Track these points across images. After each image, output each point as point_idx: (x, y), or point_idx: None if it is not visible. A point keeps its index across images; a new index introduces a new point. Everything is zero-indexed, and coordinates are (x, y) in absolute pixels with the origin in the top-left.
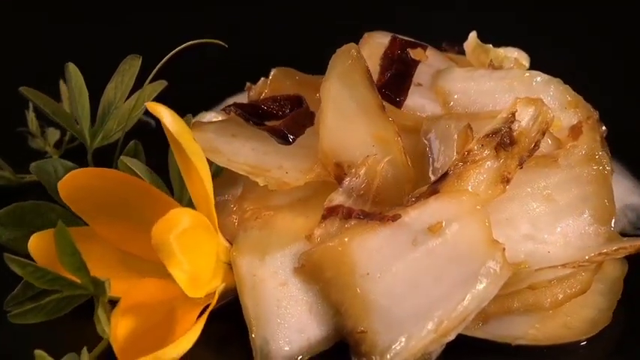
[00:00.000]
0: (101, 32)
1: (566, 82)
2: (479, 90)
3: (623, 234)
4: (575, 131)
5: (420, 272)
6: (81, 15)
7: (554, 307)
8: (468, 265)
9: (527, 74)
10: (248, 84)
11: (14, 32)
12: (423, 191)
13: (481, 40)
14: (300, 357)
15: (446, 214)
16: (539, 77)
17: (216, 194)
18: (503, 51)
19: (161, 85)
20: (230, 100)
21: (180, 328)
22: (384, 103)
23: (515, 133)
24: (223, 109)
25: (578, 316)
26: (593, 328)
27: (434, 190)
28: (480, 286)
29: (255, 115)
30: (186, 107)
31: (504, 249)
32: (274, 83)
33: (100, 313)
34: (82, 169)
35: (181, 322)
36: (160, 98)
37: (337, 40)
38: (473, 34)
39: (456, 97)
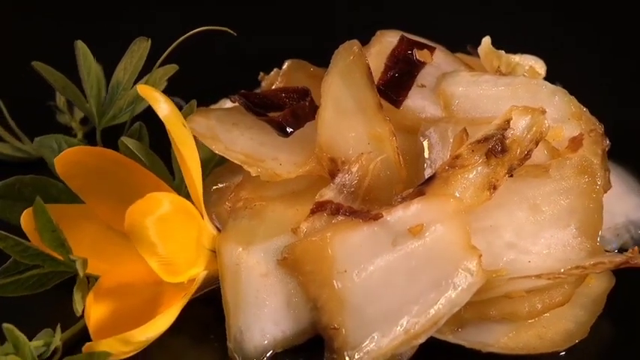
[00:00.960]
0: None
1: (587, 93)
2: (482, 95)
3: (624, 250)
4: (574, 143)
5: (396, 273)
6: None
7: (532, 317)
8: (443, 269)
9: (533, 83)
10: (262, 74)
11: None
12: (410, 192)
13: (508, 46)
14: (274, 349)
15: (427, 217)
16: (545, 86)
17: (218, 182)
18: (518, 58)
19: (173, 68)
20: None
21: (159, 312)
22: (384, 101)
23: (507, 141)
24: (230, 97)
25: (555, 327)
26: (568, 341)
27: (420, 191)
28: (453, 291)
29: (260, 106)
30: (205, 96)
31: (481, 255)
32: (287, 75)
33: (76, 291)
34: (80, 146)
35: (161, 306)
36: (178, 87)
37: (355, 35)
38: (486, 39)
39: (458, 100)
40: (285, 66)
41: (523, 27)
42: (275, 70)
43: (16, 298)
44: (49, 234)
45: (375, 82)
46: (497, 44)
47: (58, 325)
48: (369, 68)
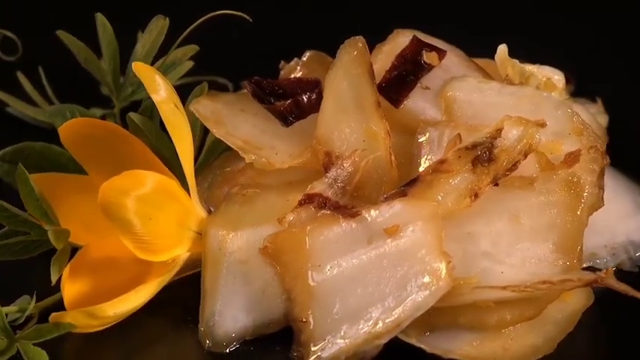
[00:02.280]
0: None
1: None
2: (484, 103)
3: (620, 270)
4: (571, 158)
5: (367, 271)
6: None
7: (500, 328)
8: (412, 272)
9: (538, 94)
10: (282, 62)
11: None
12: (392, 192)
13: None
14: (244, 336)
15: (404, 218)
16: (549, 99)
17: (226, 165)
18: (534, 68)
19: (192, 49)
20: None
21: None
22: (384, 100)
23: (496, 150)
24: (243, 82)
25: (522, 340)
26: (532, 356)
27: (402, 192)
28: (419, 295)
29: (272, 94)
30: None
31: (450, 261)
32: (306, 66)
33: (54, 260)
34: (84, 118)
35: (140, 284)
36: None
37: (381, 32)
38: (501, 47)
39: (459, 105)
40: (305, 57)
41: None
42: (295, 59)
43: (4, 265)
44: (33, 202)
45: (379, 80)
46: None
47: (34, 293)
48: (371, 65)
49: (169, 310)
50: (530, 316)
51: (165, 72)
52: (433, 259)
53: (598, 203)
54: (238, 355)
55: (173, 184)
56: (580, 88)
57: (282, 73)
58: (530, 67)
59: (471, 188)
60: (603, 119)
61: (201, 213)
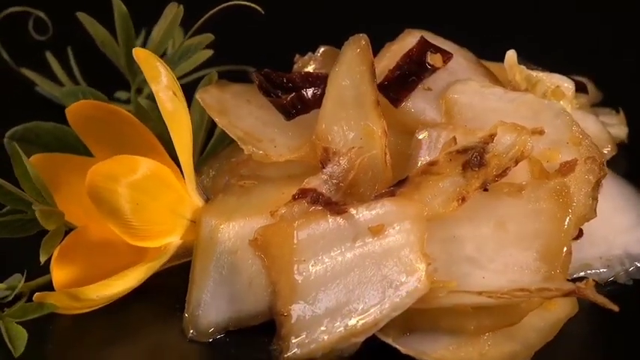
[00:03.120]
0: None
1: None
2: (484, 107)
3: (613, 282)
4: (566, 167)
5: (349, 270)
6: None
7: (479, 333)
8: (391, 273)
9: (539, 102)
10: (297, 56)
11: None
12: (382, 192)
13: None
14: (227, 327)
15: (389, 219)
16: (550, 107)
17: (234, 155)
18: (544, 76)
19: (207, 38)
20: None
21: None
22: (384, 99)
23: (487, 156)
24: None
25: (500, 347)
26: None
27: (391, 192)
28: (397, 296)
29: (280, 87)
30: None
31: (430, 264)
32: (319, 61)
33: (45, 240)
34: (91, 101)
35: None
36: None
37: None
38: (510, 53)
39: (460, 109)
40: (319, 52)
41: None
42: (309, 54)
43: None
44: (27, 182)
45: (382, 79)
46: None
47: (25, 272)
48: (373, 63)
49: (159, 298)
50: (510, 323)
51: (179, 59)
52: (413, 260)
53: (590, 214)
54: (220, 346)
55: (166, 171)
56: (610, 99)
57: (295, 66)
58: (539, 74)
59: (460, 192)
60: (622, 131)
61: (198, 201)
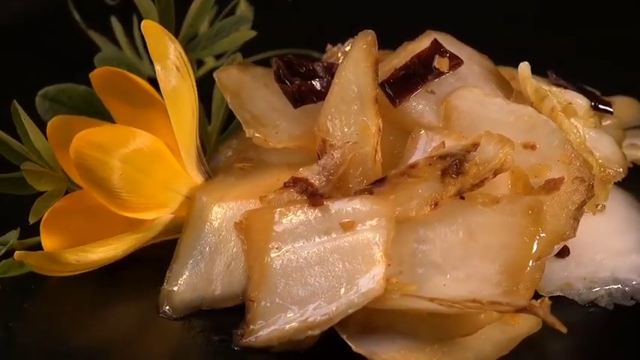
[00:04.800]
0: None
1: None
2: (482, 116)
3: (593, 304)
4: (550, 185)
5: (316, 263)
6: None
7: (435, 339)
8: (352, 270)
9: (537, 117)
10: (329, 45)
11: None
12: (361, 189)
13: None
14: (200, 306)
15: (361, 216)
16: (546, 123)
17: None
18: (558, 91)
19: (243, 19)
20: None
21: None
22: (384, 98)
23: (467, 164)
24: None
25: (453, 355)
26: None
27: (369, 190)
28: (354, 294)
29: (299, 75)
30: None
31: (389, 265)
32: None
33: (37, 200)
34: (115, 68)
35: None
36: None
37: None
38: (522, 65)
39: (458, 115)
40: (348, 43)
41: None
42: (338, 45)
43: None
44: (29, 143)
45: (387, 76)
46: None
47: (18, 229)
48: (377, 60)
49: (148, 271)
50: (466, 333)
51: (213, 39)
52: (375, 260)
53: (569, 234)
54: (188, 323)
55: (161, 145)
56: None
57: (324, 56)
58: (552, 89)
59: (434, 197)
60: None
61: (196, 179)
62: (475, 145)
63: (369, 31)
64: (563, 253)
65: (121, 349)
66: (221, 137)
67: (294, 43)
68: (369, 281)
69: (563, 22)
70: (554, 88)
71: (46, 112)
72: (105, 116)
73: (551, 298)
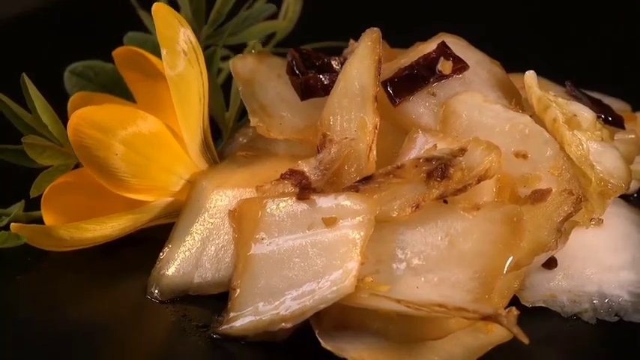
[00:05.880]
0: None
1: None
2: (479, 122)
3: (578, 318)
4: (536, 196)
5: (297, 255)
6: None
7: (403, 340)
8: (328, 266)
9: (532, 127)
10: (351, 41)
11: None
12: (348, 186)
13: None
14: (187, 291)
15: (343, 213)
16: (541, 133)
17: None
18: (564, 102)
19: (269, 7)
20: None
21: None
22: (384, 97)
23: (452, 169)
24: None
25: (421, 357)
26: None
27: (355, 187)
28: (326, 289)
29: (315, 67)
30: None
31: (363, 263)
32: None
33: (41, 175)
34: (137, 48)
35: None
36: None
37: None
38: (529, 74)
39: (456, 119)
40: None
41: None
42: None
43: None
44: (36, 116)
45: (389, 76)
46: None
47: (22, 201)
48: (380, 58)
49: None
50: (435, 336)
51: (240, 26)
52: (349, 258)
53: (551, 246)
54: (171, 307)
55: (163, 129)
56: None
57: (345, 50)
58: (558, 100)
59: (417, 199)
60: None
61: (200, 164)
62: (462, 150)
63: (376, 28)
64: (551, 264)
65: (100, 329)
66: (238, 124)
67: (334, 35)
68: (341, 278)
69: (602, 34)
70: (560, 99)
71: (74, 87)
72: (129, 95)
73: (537, 308)
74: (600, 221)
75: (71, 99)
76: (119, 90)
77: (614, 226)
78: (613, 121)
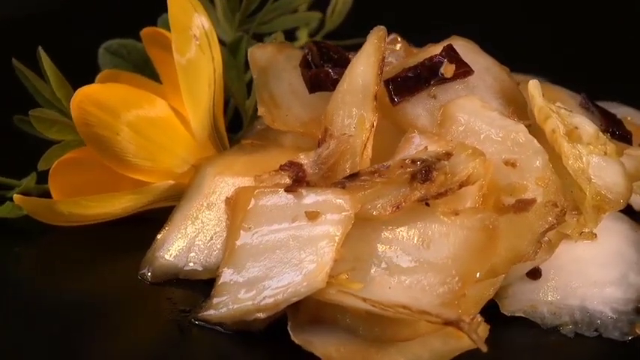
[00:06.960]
0: None
1: None
2: (474, 127)
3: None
4: (519, 205)
5: (279, 247)
6: None
7: (371, 339)
8: (305, 260)
9: (525, 136)
10: None
11: None
12: (336, 181)
13: None
14: (177, 275)
15: (325, 208)
16: (531, 144)
17: None
18: (566, 114)
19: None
20: None
21: None
22: (384, 96)
23: (435, 172)
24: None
25: (388, 357)
26: None
27: (342, 184)
28: (298, 283)
29: (332, 61)
30: None
31: (337, 260)
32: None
33: (50, 150)
34: (163, 30)
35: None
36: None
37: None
38: (532, 83)
39: (453, 123)
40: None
41: None
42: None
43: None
44: (50, 90)
45: (392, 75)
46: None
47: (34, 173)
48: (383, 57)
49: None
50: (404, 338)
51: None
52: (325, 253)
53: (529, 256)
54: (158, 288)
55: (168, 112)
56: None
57: None
58: (560, 111)
59: (398, 200)
60: None
61: (207, 149)
62: (448, 155)
63: (382, 27)
64: (535, 274)
65: (87, 306)
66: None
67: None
68: (314, 272)
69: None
70: (563, 110)
71: (106, 65)
72: (157, 76)
73: (521, 319)
74: (594, 235)
75: (99, 76)
76: (149, 70)
77: (609, 242)
78: (620, 136)
